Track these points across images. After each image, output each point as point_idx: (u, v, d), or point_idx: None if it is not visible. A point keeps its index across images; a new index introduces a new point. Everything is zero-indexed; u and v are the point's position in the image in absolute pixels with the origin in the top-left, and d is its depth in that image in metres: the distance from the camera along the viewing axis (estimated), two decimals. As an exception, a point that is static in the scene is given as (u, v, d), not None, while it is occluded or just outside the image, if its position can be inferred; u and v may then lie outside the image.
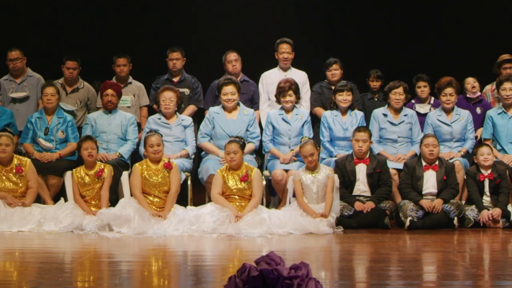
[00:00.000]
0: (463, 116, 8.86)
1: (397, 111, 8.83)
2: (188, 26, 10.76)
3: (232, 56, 9.24)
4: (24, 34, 10.26)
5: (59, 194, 8.39)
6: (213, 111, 8.77)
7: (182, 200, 8.30)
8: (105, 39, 10.44)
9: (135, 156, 8.73)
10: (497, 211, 8.01)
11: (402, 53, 10.51)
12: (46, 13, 10.71)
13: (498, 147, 8.75)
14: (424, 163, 8.23)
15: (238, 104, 8.76)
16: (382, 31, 10.95)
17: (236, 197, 7.85)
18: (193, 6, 10.97)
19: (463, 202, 8.28)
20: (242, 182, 7.86)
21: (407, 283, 5.23)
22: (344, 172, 8.19)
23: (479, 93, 9.32)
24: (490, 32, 10.55)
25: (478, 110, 9.15)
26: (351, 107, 8.83)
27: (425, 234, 7.56)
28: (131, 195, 7.96)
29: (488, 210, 8.04)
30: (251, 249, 6.64)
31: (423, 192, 8.15)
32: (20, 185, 8.07)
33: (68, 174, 8.22)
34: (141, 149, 8.44)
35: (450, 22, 10.85)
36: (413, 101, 9.20)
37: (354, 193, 8.17)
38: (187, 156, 8.66)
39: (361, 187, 8.20)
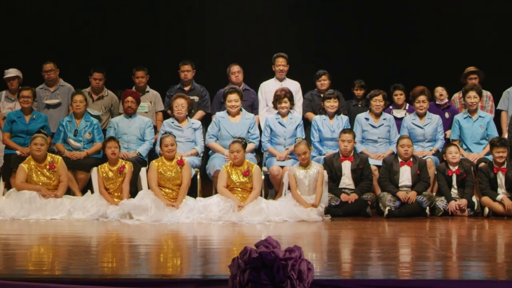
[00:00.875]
0: (434, 120, 8.89)
1: (377, 115, 8.86)
2: (197, 42, 10.71)
3: (235, 68, 9.24)
4: (57, 49, 10.24)
5: (86, 187, 8.41)
6: (219, 116, 8.79)
7: (192, 192, 8.31)
8: (126, 53, 10.40)
9: (152, 154, 8.74)
10: (463, 202, 8.07)
11: (381, 65, 10.47)
12: (76, 31, 10.66)
13: (464, 146, 8.77)
14: (400, 160, 8.28)
15: (240, 109, 8.77)
16: (365, 47, 10.87)
17: (239, 189, 7.89)
18: (201, 25, 10.87)
19: (434, 193, 8.33)
20: (244, 177, 7.90)
21: (385, 264, 5.25)
22: (332, 168, 8.22)
23: (446, 100, 9.30)
24: (458, 48, 10.47)
25: (447, 115, 9.15)
26: (338, 112, 8.84)
27: (401, 222, 7.60)
28: (149, 188, 7.99)
29: (456, 201, 8.09)
30: (251, 235, 6.65)
31: (399, 185, 8.20)
32: (53, 179, 8.09)
33: (94, 169, 8.25)
34: (157, 148, 8.45)
35: (423, 39, 10.78)
36: (391, 107, 9.20)
37: (340, 186, 8.20)
38: (197, 154, 8.66)
39: (346, 181, 8.24)
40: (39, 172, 8.08)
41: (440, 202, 8.14)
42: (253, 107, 9.25)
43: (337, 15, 10.87)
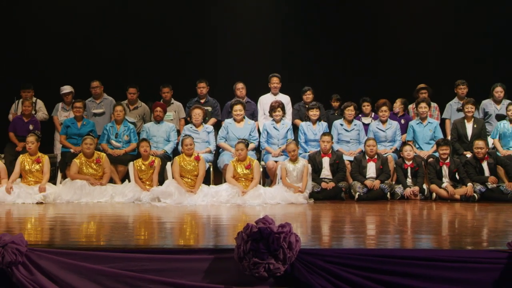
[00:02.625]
0: (393, 125, 8.90)
1: (349, 122, 8.87)
2: (211, 65, 10.68)
3: (240, 85, 9.24)
4: (102, 70, 10.23)
5: (125, 177, 8.42)
6: (227, 122, 8.80)
7: (206, 181, 8.30)
8: (155, 73, 10.40)
9: (175, 152, 8.72)
10: (416, 189, 8.10)
11: (353, 83, 10.44)
12: (117, 56, 10.66)
13: (417, 146, 8.78)
14: (367, 157, 8.31)
15: (244, 117, 8.77)
16: (341, 69, 10.86)
17: (243, 179, 7.90)
18: (214, 52, 10.83)
19: (393, 182, 8.34)
20: (247, 169, 7.91)
21: (356, 236, 5.28)
22: (315, 163, 8.24)
23: (403, 111, 9.32)
24: (412, 68, 10.50)
25: (403, 121, 9.14)
26: (319, 119, 8.85)
27: (368, 204, 7.61)
28: (173, 178, 7.99)
29: (410, 188, 8.12)
30: (252, 214, 6.66)
31: (367, 176, 8.23)
32: (99, 171, 8.11)
33: (130, 164, 8.25)
34: (179, 148, 8.45)
35: (386, 62, 10.78)
36: (360, 115, 9.20)
37: (321, 177, 8.22)
38: (210, 152, 8.66)
39: (326, 172, 8.25)
40: (88, 166, 8.09)
41: (398, 189, 8.16)
42: (253, 115, 9.25)
43: (319, 46, 10.92)
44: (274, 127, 8.72)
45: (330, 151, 8.27)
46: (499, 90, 9.07)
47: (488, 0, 10.78)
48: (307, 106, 9.04)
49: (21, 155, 8.09)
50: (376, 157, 8.28)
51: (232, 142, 8.44)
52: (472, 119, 8.75)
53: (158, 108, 8.78)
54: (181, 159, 8.00)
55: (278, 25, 10.94)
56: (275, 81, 9.25)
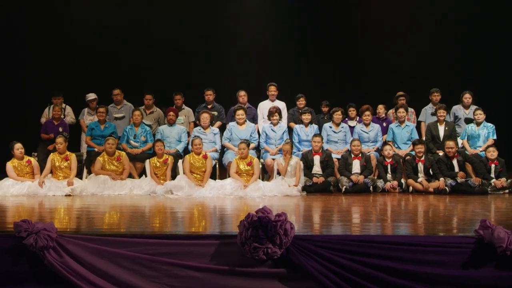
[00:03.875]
0: (376, 128, 8.87)
1: (337, 125, 8.82)
2: (217, 75, 10.77)
3: (242, 93, 9.22)
4: (122, 79, 10.25)
5: (142, 173, 8.40)
6: (231, 125, 8.76)
7: (213, 176, 8.24)
8: (169, 82, 10.45)
9: (186, 151, 8.69)
10: (395, 183, 8.06)
11: (341, 91, 10.52)
12: (135, 67, 10.76)
13: (396, 145, 8.75)
14: (352, 155, 8.29)
15: (245, 121, 8.75)
16: (330, 79, 10.98)
17: (244, 175, 7.88)
18: (221, 63, 10.95)
19: (375, 177, 8.31)
20: (248, 166, 7.90)
21: (343, 224, 5.27)
22: (307, 160, 8.22)
23: (384, 115, 9.32)
24: (392, 78, 10.59)
25: (384, 124, 9.11)
26: (311, 123, 8.82)
27: (353, 196, 7.59)
28: (184, 173, 7.97)
29: (390, 182, 8.11)
30: (252, 205, 6.66)
31: (352, 172, 8.19)
32: (119, 167, 8.09)
33: (147, 161, 8.22)
34: (190, 147, 8.43)
35: (369, 74, 10.89)
36: (346, 119, 9.16)
37: (312, 172, 8.18)
38: (216, 151, 8.62)
39: (316, 169, 8.22)
40: (110, 163, 8.08)
41: (380, 183, 8.12)
42: (254, 119, 9.21)
43: (311, 60, 11.05)
44: (271, 129, 8.70)
45: (320, 150, 8.25)
46: (467, 97, 9.09)
47: (457, 21, 11.04)
48: (300, 111, 9.02)
49: (51, 154, 8.08)
50: (360, 155, 8.27)
51: (235, 142, 8.42)
52: (444, 122, 8.74)
53: (171, 113, 8.76)
54: (191, 157, 7.98)
55: (275, 42, 11.08)
56: (272, 89, 9.23)
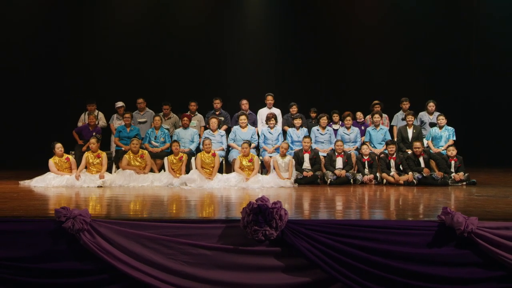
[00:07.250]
0: (355, 130, 8.83)
1: (323, 128, 8.78)
2: (223, 87, 10.83)
3: (244, 101, 9.17)
4: (145, 90, 10.32)
5: (161, 168, 8.35)
6: (235, 128, 8.73)
7: (220, 171, 8.20)
8: (185, 92, 10.51)
9: (198, 150, 8.63)
10: (371, 176, 8.03)
11: (326, 100, 10.59)
12: (156, 80, 10.87)
13: (372, 145, 8.73)
14: (336, 153, 8.27)
15: (247, 125, 8.72)
16: (317, 90, 11.09)
17: (246, 169, 7.84)
18: (225, 77, 11.09)
19: (355, 172, 8.27)
20: (249, 162, 7.86)
21: (328, 210, 5.25)
22: (298, 157, 8.18)
23: (363, 119, 9.30)
24: (369, 88, 10.66)
25: (362, 127, 9.09)
26: (301, 126, 8.79)
27: (336, 187, 7.57)
28: (196, 168, 7.95)
29: (367, 176, 8.09)
30: (253, 194, 6.64)
31: (336, 167, 8.16)
32: (142, 163, 8.05)
33: (165, 158, 8.19)
34: (201, 147, 8.35)
35: (350, 85, 10.95)
36: (331, 123, 9.13)
37: (303, 167, 8.13)
38: (223, 150, 8.59)
39: (306, 164, 8.16)
40: (134, 160, 8.05)
41: (359, 177, 8.09)
42: (254, 123, 9.16)
43: (301, 73, 11.15)
44: (269, 132, 8.68)
45: (309, 149, 8.22)
46: (431, 105, 9.10)
47: (425, 40, 11.28)
48: (292, 116, 9.00)
49: (86, 152, 8.08)
50: (342, 153, 8.25)
51: (239, 143, 8.41)
52: (412, 126, 8.73)
53: (185, 118, 8.74)
54: (202, 155, 7.96)
55: (272, 58, 11.25)
56: (269, 99, 9.20)
